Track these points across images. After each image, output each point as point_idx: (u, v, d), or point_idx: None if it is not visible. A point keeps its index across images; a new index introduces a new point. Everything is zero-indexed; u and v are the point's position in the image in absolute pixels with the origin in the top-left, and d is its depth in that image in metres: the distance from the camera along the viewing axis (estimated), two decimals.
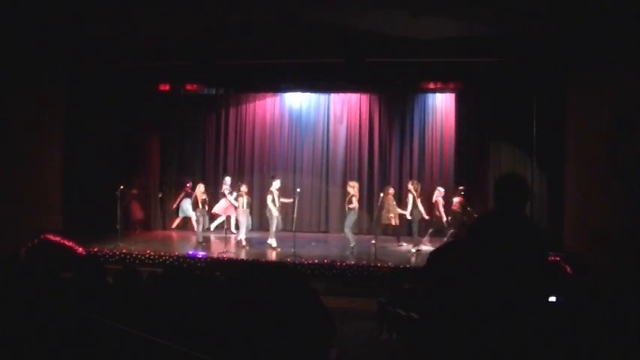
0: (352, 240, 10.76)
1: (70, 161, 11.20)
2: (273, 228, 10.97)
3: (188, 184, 12.45)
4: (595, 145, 9.16)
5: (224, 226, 11.41)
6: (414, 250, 10.93)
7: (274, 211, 10.91)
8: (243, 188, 11.19)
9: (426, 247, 10.85)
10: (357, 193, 10.84)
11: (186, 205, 12.29)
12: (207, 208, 11.58)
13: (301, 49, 10.19)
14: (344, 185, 13.32)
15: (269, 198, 10.97)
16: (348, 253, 10.56)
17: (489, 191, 10.98)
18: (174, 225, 12.96)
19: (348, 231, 10.84)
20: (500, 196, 3.07)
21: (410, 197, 11.04)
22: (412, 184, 11.17)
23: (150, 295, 4.24)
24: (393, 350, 5.79)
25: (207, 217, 11.77)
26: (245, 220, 11.22)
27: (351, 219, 10.85)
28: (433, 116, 13.24)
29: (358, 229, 12.98)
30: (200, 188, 11.58)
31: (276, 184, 11.05)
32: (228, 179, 12.04)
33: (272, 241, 11.01)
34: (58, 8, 8.56)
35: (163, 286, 4.45)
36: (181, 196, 12.50)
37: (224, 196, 11.55)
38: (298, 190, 11.01)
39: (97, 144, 11.54)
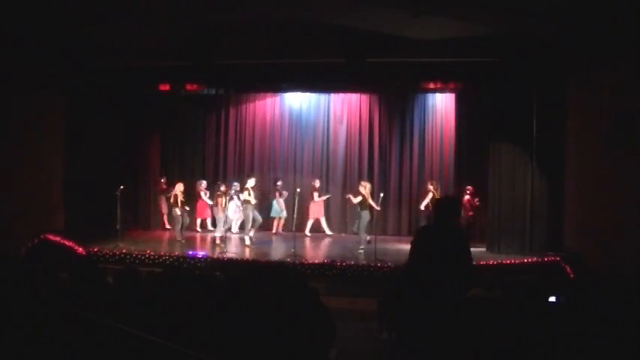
0: (364, 242, 10.66)
1: (70, 161, 11.20)
2: (249, 225, 11.19)
3: (162, 180, 12.52)
4: (595, 145, 9.16)
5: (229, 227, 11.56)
6: None
7: (248, 209, 11.19)
8: (222, 188, 11.46)
9: None
10: (368, 194, 10.77)
11: (280, 205, 12.50)
12: (186, 207, 11.75)
13: (301, 49, 10.18)
14: (344, 185, 13.34)
15: (242, 196, 11.20)
16: (357, 252, 10.45)
17: (489, 191, 10.98)
18: (276, 228, 12.85)
19: (361, 232, 10.79)
20: (438, 211, 4.41)
21: (429, 196, 11.02)
22: (432, 184, 11.16)
23: (150, 295, 4.24)
24: (393, 350, 5.78)
25: (186, 216, 11.82)
26: (223, 217, 11.34)
27: (364, 220, 10.78)
28: (433, 116, 13.24)
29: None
30: (179, 188, 11.71)
31: (250, 183, 11.28)
32: (204, 183, 12.51)
33: (246, 239, 11.18)
34: (59, 8, 8.56)
35: (163, 286, 4.45)
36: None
37: (199, 197, 12.21)
38: (298, 190, 11.02)
39: (98, 144, 11.54)
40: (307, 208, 12.67)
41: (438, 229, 4.28)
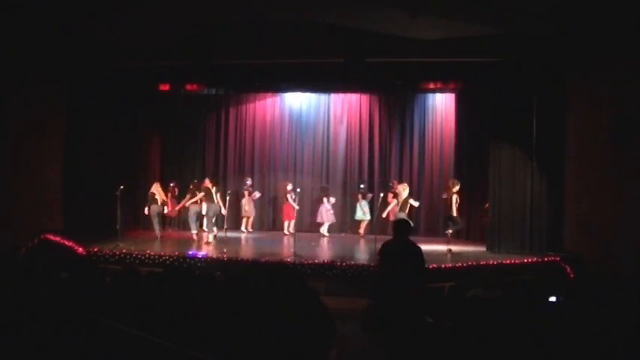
0: None
1: (70, 161, 11.19)
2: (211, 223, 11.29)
3: (172, 184, 12.73)
4: (595, 145, 9.15)
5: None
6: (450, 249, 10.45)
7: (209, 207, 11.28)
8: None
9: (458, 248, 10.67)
10: (401, 197, 10.59)
11: (363, 208, 12.49)
12: (163, 206, 11.89)
13: (301, 49, 10.18)
14: (344, 185, 13.34)
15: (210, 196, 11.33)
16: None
17: (489, 191, 10.97)
18: (362, 230, 12.74)
19: None
20: (396, 230, 5.73)
21: (454, 197, 10.85)
22: (453, 183, 10.96)
23: (150, 295, 4.24)
24: (393, 350, 5.78)
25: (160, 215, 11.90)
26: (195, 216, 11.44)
27: None
28: (433, 116, 13.23)
29: (347, 228, 13.08)
30: (157, 187, 11.80)
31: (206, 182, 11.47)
32: (172, 184, 12.71)
33: (210, 236, 11.26)
34: (59, 8, 8.56)
35: (163, 286, 4.45)
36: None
37: (171, 197, 12.48)
38: (298, 190, 11.00)
39: (97, 144, 11.53)
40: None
41: (398, 244, 5.64)
